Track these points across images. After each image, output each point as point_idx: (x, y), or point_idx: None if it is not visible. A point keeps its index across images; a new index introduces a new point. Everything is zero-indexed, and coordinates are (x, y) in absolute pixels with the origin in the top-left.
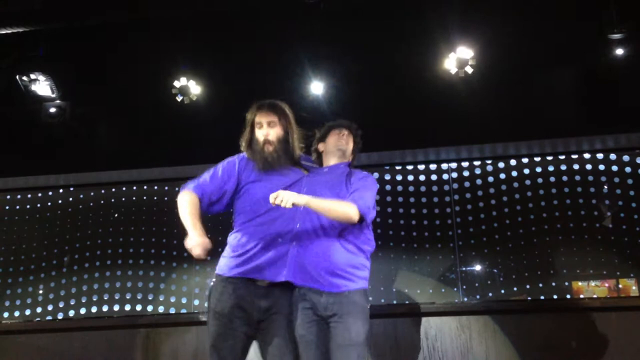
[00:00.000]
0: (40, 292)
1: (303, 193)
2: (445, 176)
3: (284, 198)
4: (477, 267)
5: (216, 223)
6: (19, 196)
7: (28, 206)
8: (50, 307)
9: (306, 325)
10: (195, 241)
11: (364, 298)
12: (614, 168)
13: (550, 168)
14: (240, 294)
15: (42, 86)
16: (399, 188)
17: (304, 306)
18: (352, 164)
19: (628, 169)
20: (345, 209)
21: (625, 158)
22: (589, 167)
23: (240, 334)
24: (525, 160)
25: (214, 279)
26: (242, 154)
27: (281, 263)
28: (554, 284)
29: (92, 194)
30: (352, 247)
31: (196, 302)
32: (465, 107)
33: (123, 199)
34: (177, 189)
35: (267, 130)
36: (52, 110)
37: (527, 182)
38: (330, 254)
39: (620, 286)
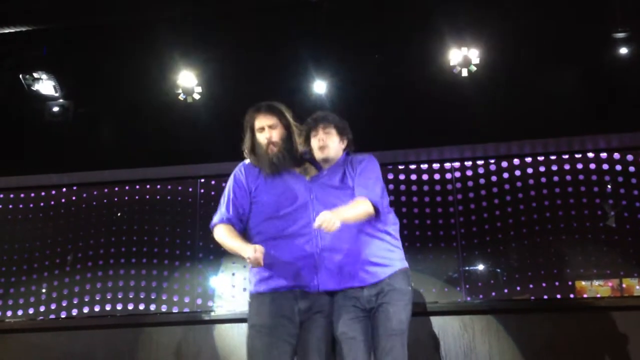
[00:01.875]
0: (44, 290)
1: (312, 200)
2: (448, 175)
3: (330, 222)
4: (480, 267)
5: None
6: (22, 195)
7: (31, 205)
8: (53, 306)
9: (349, 322)
10: (248, 251)
11: (404, 280)
12: (618, 167)
13: (554, 167)
14: (278, 303)
15: (45, 85)
16: (402, 187)
17: (346, 304)
18: (350, 151)
19: (632, 168)
20: (364, 209)
21: (629, 157)
22: (592, 166)
23: (285, 344)
24: (528, 159)
25: (250, 297)
26: (243, 163)
27: (311, 272)
28: (557, 283)
29: (95, 192)
30: (377, 233)
31: (199, 301)
32: (468, 106)
33: (126, 197)
34: (180, 187)
35: (269, 133)
36: (55, 109)
37: (531, 181)
38: (359, 249)
39: (623, 286)
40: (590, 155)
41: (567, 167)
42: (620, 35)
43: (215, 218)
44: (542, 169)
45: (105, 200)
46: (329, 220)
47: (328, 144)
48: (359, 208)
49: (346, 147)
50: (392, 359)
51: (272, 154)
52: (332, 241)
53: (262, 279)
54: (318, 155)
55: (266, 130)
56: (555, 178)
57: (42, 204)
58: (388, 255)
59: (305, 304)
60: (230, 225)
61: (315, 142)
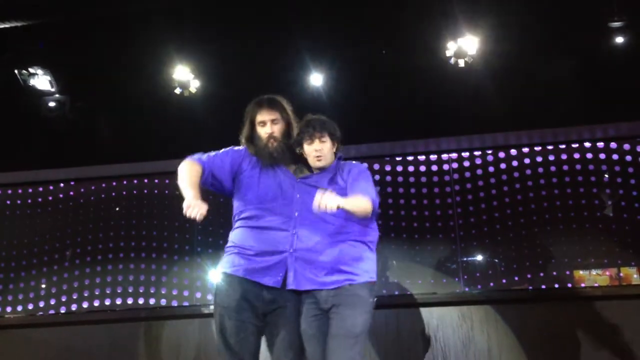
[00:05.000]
0: (43, 286)
1: (296, 202)
2: (445, 166)
3: (328, 203)
4: (478, 257)
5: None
6: (20, 190)
7: (29, 200)
8: (52, 301)
9: (309, 319)
10: (189, 202)
11: (368, 291)
12: (615, 157)
13: (551, 157)
14: (245, 287)
15: (41, 80)
16: (400, 179)
17: (308, 300)
18: (339, 157)
19: (629, 158)
20: (364, 205)
21: (626, 146)
22: (589, 155)
23: (250, 325)
24: (525, 149)
25: (219, 276)
26: (244, 147)
27: (279, 268)
28: (555, 273)
29: (92, 187)
30: (353, 242)
31: (198, 295)
32: (465, 97)
33: (124, 192)
34: (178, 181)
35: (271, 128)
36: (52, 104)
37: (528, 171)
38: (333, 255)
39: (621, 275)
40: (587, 144)
41: (564, 157)
42: (617, 24)
43: (196, 155)
44: (539, 159)
45: (103, 195)
46: (328, 198)
47: (325, 153)
48: (360, 201)
49: (337, 149)
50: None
51: (272, 148)
52: (308, 243)
53: (234, 265)
54: (315, 163)
55: (268, 125)
56: (553, 168)
57: (40, 200)
58: (359, 265)
59: (270, 296)
60: (200, 168)
61: (310, 151)
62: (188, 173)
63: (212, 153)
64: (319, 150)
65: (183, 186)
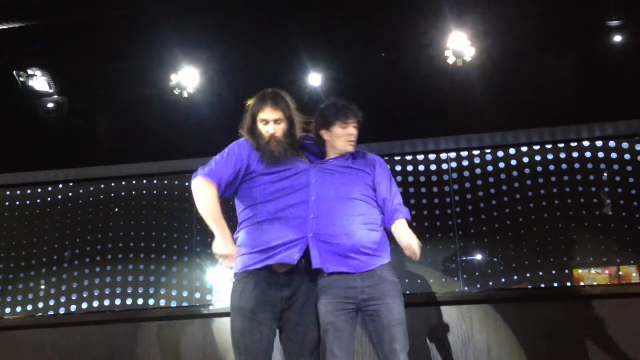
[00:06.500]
0: (42, 287)
1: (312, 186)
2: (444, 166)
3: (417, 253)
4: (478, 257)
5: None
6: (18, 192)
7: (28, 202)
8: (52, 303)
9: (336, 313)
10: (226, 251)
11: (392, 272)
12: (614, 155)
13: (550, 156)
14: (262, 288)
15: (39, 82)
16: (399, 179)
17: (334, 294)
18: None
19: (627, 156)
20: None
21: (625, 145)
22: (588, 154)
23: (266, 328)
24: (524, 149)
25: (233, 278)
26: (244, 139)
27: (300, 253)
28: (554, 272)
29: (91, 188)
30: (371, 224)
31: (197, 296)
32: (463, 97)
33: (123, 193)
34: (176, 182)
35: (274, 128)
36: (50, 105)
37: (527, 170)
38: (352, 235)
39: (621, 273)
40: (586, 143)
41: (562, 155)
42: (615, 23)
43: (206, 169)
44: (537, 158)
45: (102, 196)
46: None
47: (355, 140)
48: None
49: None
50: (401, 346)
51: (274, 147)
52: (327, 227)
53: (248, 264)
54: (346, 147)
55: (271, 124)
56: (551, 167)
57: (38, 201)
58: (379, 246)
59: (288, 292)
60: (215, 187)
61: (344, 134)
62: (210, 204)
63: (220, 161)
64: (353, 135)
65: (211, 222)
